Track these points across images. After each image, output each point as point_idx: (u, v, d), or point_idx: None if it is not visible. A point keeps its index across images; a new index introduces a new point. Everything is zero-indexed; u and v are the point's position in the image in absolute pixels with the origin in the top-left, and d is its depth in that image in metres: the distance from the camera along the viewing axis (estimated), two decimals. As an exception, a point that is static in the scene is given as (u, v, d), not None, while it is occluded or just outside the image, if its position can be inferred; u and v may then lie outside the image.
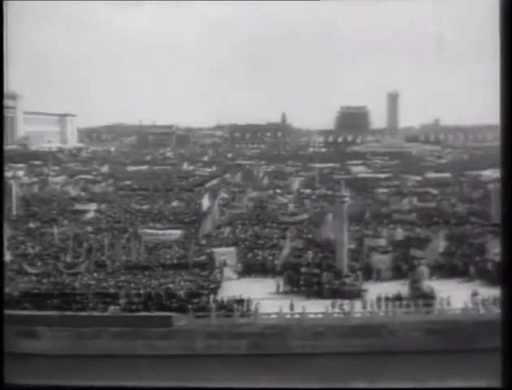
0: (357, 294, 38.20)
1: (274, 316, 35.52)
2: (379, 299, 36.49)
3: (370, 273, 42.10)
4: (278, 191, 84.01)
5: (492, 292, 36.91)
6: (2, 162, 15.13)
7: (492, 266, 41.60)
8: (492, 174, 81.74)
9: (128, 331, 35.12)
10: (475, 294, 36.94)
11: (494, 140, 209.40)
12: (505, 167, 13.27)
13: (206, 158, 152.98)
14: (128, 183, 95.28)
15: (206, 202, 67.77)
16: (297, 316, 35.43)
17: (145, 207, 69.96)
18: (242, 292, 37.47)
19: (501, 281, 14.18)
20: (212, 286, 39.98)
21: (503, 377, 13.09)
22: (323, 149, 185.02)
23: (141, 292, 38.28)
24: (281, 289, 40.48)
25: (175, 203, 73.40)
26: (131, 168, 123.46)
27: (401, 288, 38.28)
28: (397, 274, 42.02)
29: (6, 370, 15.38)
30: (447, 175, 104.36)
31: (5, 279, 32.49)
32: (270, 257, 45.91)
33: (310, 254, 46.23)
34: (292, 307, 36.14)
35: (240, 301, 36.75)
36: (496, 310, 35.39)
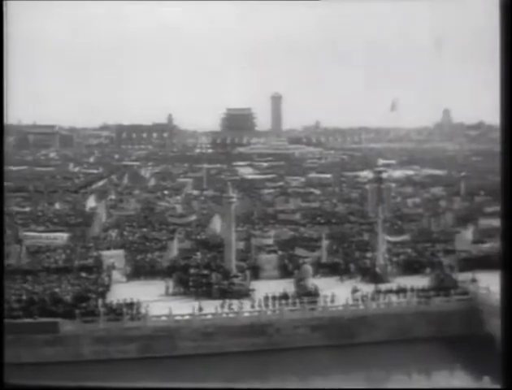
0: (245, 294, 39.11)
1: (164, 318, 35.61)
2: (266, 298, 37.54)
3: (257, 272, 43.24)
4: (166, 192, 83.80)
5: (371, 288, 39.24)
6: (2, 164, 14.36)
7: (370, 263, 44.08)
8: (368, 174, 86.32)
9: (8, 338, 33.71)
10: (355, 291, 38.95)
11: (368, 142, 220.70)
12: (505, 167, 14.03)
13: (91, 159, 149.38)
14: (5, 184, 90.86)
15: (92, 204, 66.34)
16: (187, 317, 35.72)
17: (27, 209, 67.26)
18: (131, 295, 37.12)
19: (501, 285, 14.72)
20: (100, 289, 39.29)
21: (503, 377, 13.69)
22: (210, 151, 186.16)
23: (23, 297, 36.92)
24: (171, 291, 40.62)
25: (58, 205, 71.15)
26: (9, 169, 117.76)
27: (287, 286, 39.60)
28: (284, 273, 43.43)
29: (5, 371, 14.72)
30: (328, 175, 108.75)
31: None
32: (159, 259, 45.87)
33: (198, 255, 46.67)
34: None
35: (130, 305, 36.43)
36: (374, 306, 37.69)
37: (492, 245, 47.04)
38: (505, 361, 13.66)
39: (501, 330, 14.24)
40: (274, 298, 37.52)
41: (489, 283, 37.91)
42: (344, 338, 35.97)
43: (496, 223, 55.19)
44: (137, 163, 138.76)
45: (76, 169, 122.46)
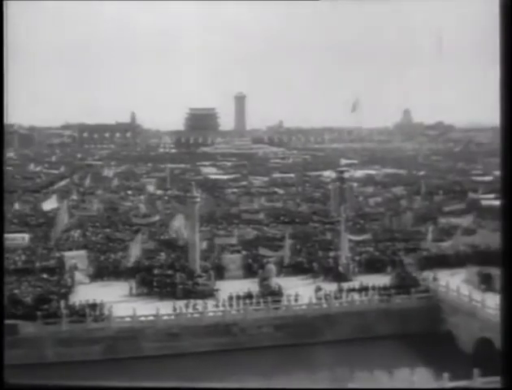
0: (210, 294, 39.17)
1: (128, 319, 35.39)
2: (230, 298, 37.67)
3: (222, 272, 43.32)
4: (129, 192, 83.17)
5: (334, 287, 39.70)
6: (2, 164, 14.12)
7: (333, 262, 44.57)
8: (331, 174, 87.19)
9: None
10: (318, 289, 39.35)
11: (330, 142, 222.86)
12: (505, 167, 14.14)
13: (53, 159, 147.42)
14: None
15: (53, 204, 65.45)
16: (151, 318, 35.57)
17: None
18: (95, 296, 36.85)
19: (502, 285, 14.81)
20: (62, 291, 38.81)
21: (503, 377, 13.78)
22: (174, 150, 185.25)
23: (-23, 299, 36.11)
24: (134, 292, 40.39)
25: (18, 205, 69.88)
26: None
27: (251, 286, 39.76)
28: (248, 272, 43.59)
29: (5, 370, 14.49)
30: (291, 175, 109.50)
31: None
32: (122, 260, 45.51)
33: (162, 256, 46.49)
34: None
35: (93, 306, 36.14)
36: (337, 304, 38.16)
37: (451, 244, 48.14)
38: (505, 361, 13.84)
39: (501, 330, 14.42)
40: (238, 298, 37.65)
41: (448, 280, 38.88)
42: (308, 337, 36.32)
43: (455, 221, 56.63)
44: (100, 163, 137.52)
45: (37, 169, 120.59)
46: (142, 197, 77.16)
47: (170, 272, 41.95)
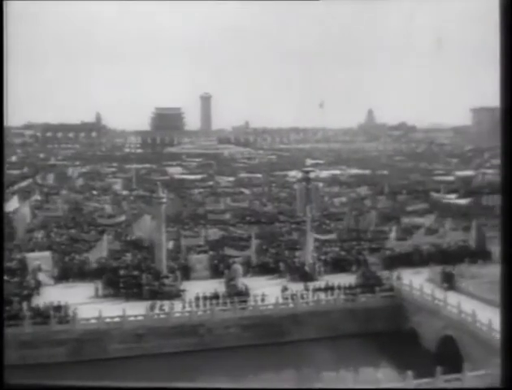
0: (176, 294, 39.09)
1: (93, 321, 35.06)
2: (197, 298, 37.63)
3: (188, 273, 43.26)
4: (94, 192, 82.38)
5: (300, 287, 40.02)
6: (2, 164, 13.77)
7: (299, 262, 44.89)
8: (297, 174, 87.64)
9: None
10: (284, 289, 39.61)
11: (296, 142, 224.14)
12: (505, 167, 14.22)
13: (14, 159, 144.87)
14: None
15: (14, 205, 64.38)
16: (117, 319, 35.32)
17: None
18: (60, 298, 36.46)
19: (502, 285, 14.86)
20: (25, 292, 38.24)
21: (503, 377, 13.80)
22: (140, 150, 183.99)
23: None
24: (100, 293, 40.06)
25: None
26: None
27: (218, 286, 39.79)
28: (214, 272, 43.59)
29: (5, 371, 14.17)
30: (258, 175, 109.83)
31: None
32: (87, 261, 45.03)
33: (128, 256, 46.20)
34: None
35: (57, 307, 35.72)
36: (304, 304, 38.47)
37: (410, 242, 48.94)
38: (505, 361, 13.99)
39: (501, 330, 14.53)
40: (205, 298, 37.64)
41: (411, 279, 39.53)
42: (275, 336, 36.53)
43: (417, 220, 57.65)
44: (64, 163, 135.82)
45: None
46: (108, 198, 76.48)
47: (136, 273, 41.69)
